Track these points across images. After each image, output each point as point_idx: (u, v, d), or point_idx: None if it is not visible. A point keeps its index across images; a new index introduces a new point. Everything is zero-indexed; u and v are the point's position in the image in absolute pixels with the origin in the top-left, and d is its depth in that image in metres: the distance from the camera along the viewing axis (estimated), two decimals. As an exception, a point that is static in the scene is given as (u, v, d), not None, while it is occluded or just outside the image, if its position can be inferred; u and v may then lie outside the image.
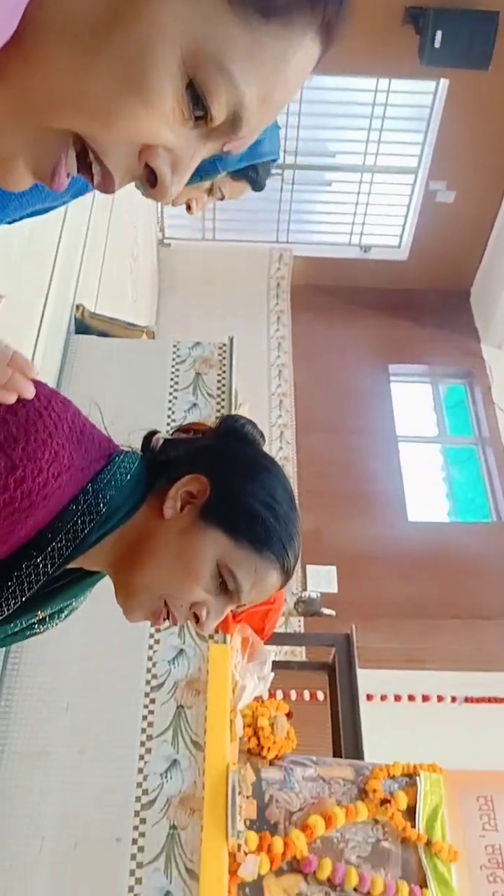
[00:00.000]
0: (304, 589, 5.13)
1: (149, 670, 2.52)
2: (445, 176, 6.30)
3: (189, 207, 1.31)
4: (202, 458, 0.91)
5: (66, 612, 0.98)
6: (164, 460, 0.93)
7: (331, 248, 7.18)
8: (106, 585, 2.72)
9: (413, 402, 6.81)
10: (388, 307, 6.95)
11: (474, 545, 5.63)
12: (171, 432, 0.99)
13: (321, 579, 5.22)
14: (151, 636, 2.59)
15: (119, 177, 0.49)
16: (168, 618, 0.87)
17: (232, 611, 0.91)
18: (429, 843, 2.58)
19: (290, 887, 2.40)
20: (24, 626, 0.92)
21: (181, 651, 2.56)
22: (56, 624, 0.98)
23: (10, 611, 0.82)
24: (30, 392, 0.74)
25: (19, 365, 0.74)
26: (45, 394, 0.79)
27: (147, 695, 2.48)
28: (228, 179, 1.25)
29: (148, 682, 2.50)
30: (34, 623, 0.94)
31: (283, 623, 4.61)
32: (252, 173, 1.25)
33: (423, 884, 2.51)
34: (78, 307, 3.35)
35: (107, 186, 0.50)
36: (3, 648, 2.51)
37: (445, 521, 6.07)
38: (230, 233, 7.03)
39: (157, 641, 2.58)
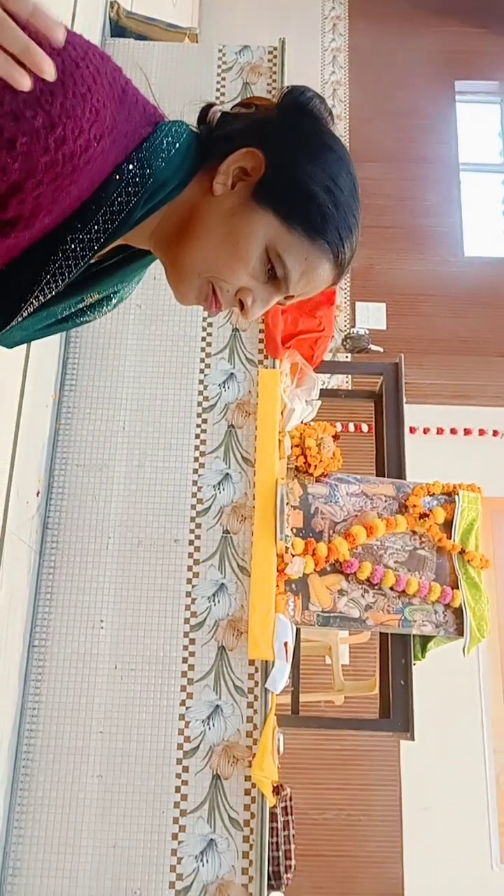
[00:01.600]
0: (353, 325, 5.11)
1: (200, 392, 2.60)
2: None
3: None
4: (260, 133, 0.83)
5: (114, 300, 0.96)
6: (219, 135, 0.85)
7: None
8: (156, 305, 2.70)
9: (479, 125, 6.23)
10: (458, 11, 6.13)
11: (531, 282, 5.44)
12: (231, 109, 0.90)
13: (370, 316, 5.17)
14: (202, 360, 2.63)
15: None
16: (215, 304, 0.85)
17: (279, 303, 0.88)
18: (462, 552, 2.78)
19: (332, 585, 2.65)
20: (73, 310, 0.91)
21: (231, 374, 2.62)
22: (104, 312, 0.97)
23: (59, 289, 0.80)
24: (49, 72, 0.60)
25: (43, 24, 0.58)
26: (81, 43, 0.70)
27: (199, 415, 2.58)
28: None
29: (199, 404, 2.59)
30: (82, 309, 0.93)
31: (331, 357, 4.65)
32: None
33: (455, 585, 2.75)
34: (112, 5, 3.01)
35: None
36: (61, 356, 2.60)
37: (502, 256, 5.82)
38: None
39: (207, 366, 2.63)
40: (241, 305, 0.85)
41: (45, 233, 0.75)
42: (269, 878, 2.19)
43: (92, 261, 0.82)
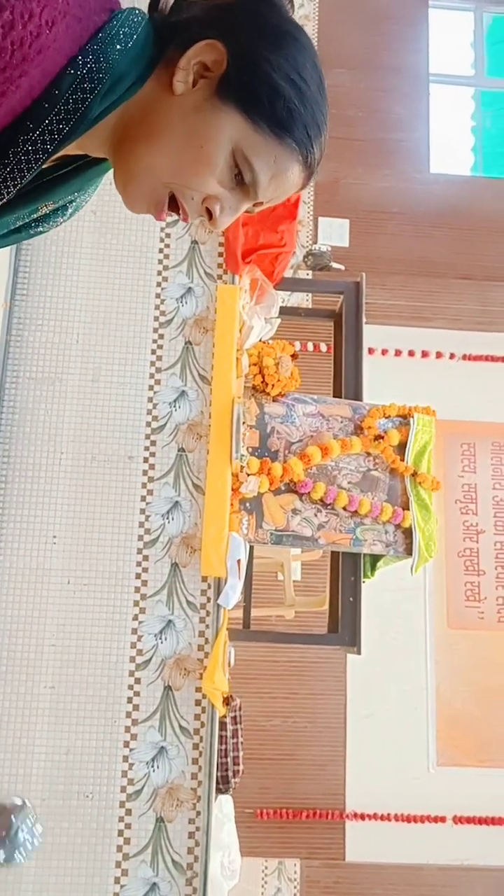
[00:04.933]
0: (315, 242, 5.01)
1: (157, 307, 2.53)
2: None
3: None
4: (220, 22, 0.77)
5: (70, 210, 0.91)
6: (174, 22, 0.79)
7: None
8: (113, 213, 2.58)
9: (451, 36, 6.01)
10: None
11: (496, 204, 5.37)
12: None
13: (333, 232, 5.06)
14: (159, 273, 2.55)
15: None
16: (177, 211, 0.80)
17: (247, 211, 0.84)
18: (415, 474, 2.82)
19: (286, 504, 2.67)
20: (27, 220, 0.86)
21: (189, 289, 2.55)
22: (59, 223, 0.91)
23: (10, 195, 0.75)
24: None
25: None
26: None
27: (156, 330, 2.52)
28: None
29: (156, 319, 2.53)
30: (37, 219, 0.88)
31: (292, 274, 4.56)
32: None
33: (406, 507, 2.79)
34: None
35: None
36: (13, 264, 2.49)
37: (468, 175, 5.72)
38: None
39: (165, 279, 2.56)
40: (209, 215, 0.81)
41: None
42: (217, 783, 2.28)
43: (46, 166, 0.77)
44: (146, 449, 2.44)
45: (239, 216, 0.85)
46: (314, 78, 0.78)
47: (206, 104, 0.76)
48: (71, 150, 0.78)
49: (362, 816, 4.29)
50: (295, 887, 4.23)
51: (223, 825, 2.40)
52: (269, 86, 0.75)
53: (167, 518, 2.38)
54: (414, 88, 5.58)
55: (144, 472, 2.42)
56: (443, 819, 4.32)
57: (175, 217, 0.82)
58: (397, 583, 3.63)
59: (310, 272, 4.82)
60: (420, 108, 5.56)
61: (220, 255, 2.59)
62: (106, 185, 0.93)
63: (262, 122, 0.76)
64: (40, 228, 0.90)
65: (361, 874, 4.26)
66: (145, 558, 2.36)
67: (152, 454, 2.44)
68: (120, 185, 0.80)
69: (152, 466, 2.43)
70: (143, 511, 2.39)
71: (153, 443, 2.44)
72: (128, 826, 2.17)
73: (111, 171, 0.90)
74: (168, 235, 2.58)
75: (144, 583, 2.34)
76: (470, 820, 4.34)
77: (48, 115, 0.71)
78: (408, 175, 5.36)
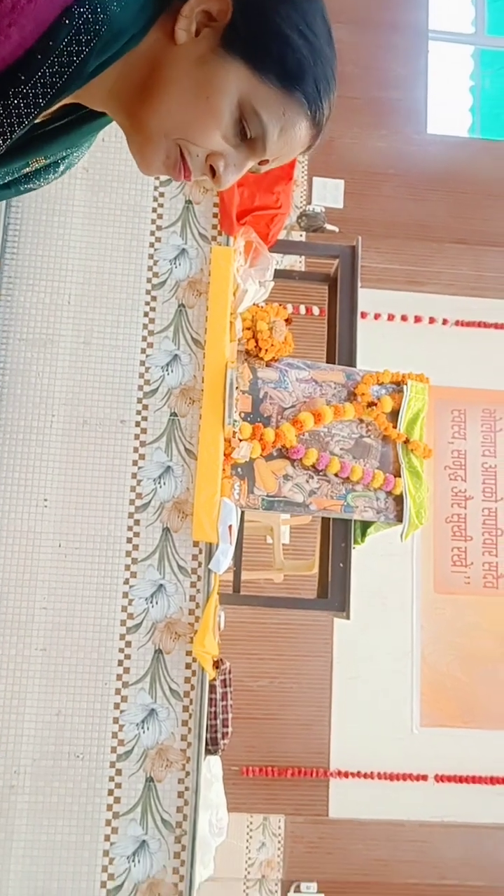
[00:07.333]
0: (309, 202, 4.93)
1: (150, 268, 2.49)
2: None
3: None
4: None
5: (62, 167, 0.88)
6: None
7: None
8: (106, 170, 2.52)
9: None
10: None
11: (493, 166, 5.29)
12: None
13: (327, 193, 4.99)
14: (153, 234, 2.51)
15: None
16: (183, 171, 0.78)
17: (252, 171, 0.81)
18: (407, 441, 2.81)
19: (278, 470, 2.67)
20: (17, 175, 0.83)
21: (183, 250, 2.51)
22: (50, 180, 0.88)
23: (0, 150, 0.72)
24: None
25: None
26: None
27: (148, 292, 2.48)
28: None
29: (149, 280, 2.48)
30: (27, 175, 0.85)
31: (285, 235, 4.50)
32: None
33: (397, 474, 2.79)
34: None
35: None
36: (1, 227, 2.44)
37: (466, 136, 5.63)
38: None
39: (158, 240, 2.51)
40: (213, 172, 0.78)
41: None
42: (206, 744, 2.30)
43: (38, 120, 0.74)
44: (138, 413, 2.42)
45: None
46: (324, 32, 0.76)
47: (212, 55, 0.73)
48: (67, 101, 0.75)
49: (346, 774, 4.37)
50: (279, 842, 4.33)
51: (211, 785, 2.44)
52: (278, 37, 0.72)
53: (159, 483, 2.37)
54: (413, 46, 5.46)
55: (136, 437, 2.41)
56: (424, 777, 4.42)
57: (169, 177, 0.80)
58: (385, 547, 3.65)
59: (303, 234, 4.75)
60: (418, 66, 5.45)
61: (215, 215, 2.54)
62: (99, 142, 0.91)
63: (271, 73, 0.73)
64: (30, 185, 0.87)
65: (344, 830, 4.36)
66: (137, 523, 2.35)
67: (144, 418, 2.42)
68: (134, 148, 0.77)
69: (144, 431, 2.41)
70: (134, 475, 2.38)
71: (145, 407, 2.42)
72: (118, 786, 2.20)
73: (103, 126, 0.87)
74: (162, 195, 2.53)
75: (136, 547, 2.34)
76: (450, 779, 4.43)
77: (41, 67, 0.67)
78: (405, 135, 5.27)
